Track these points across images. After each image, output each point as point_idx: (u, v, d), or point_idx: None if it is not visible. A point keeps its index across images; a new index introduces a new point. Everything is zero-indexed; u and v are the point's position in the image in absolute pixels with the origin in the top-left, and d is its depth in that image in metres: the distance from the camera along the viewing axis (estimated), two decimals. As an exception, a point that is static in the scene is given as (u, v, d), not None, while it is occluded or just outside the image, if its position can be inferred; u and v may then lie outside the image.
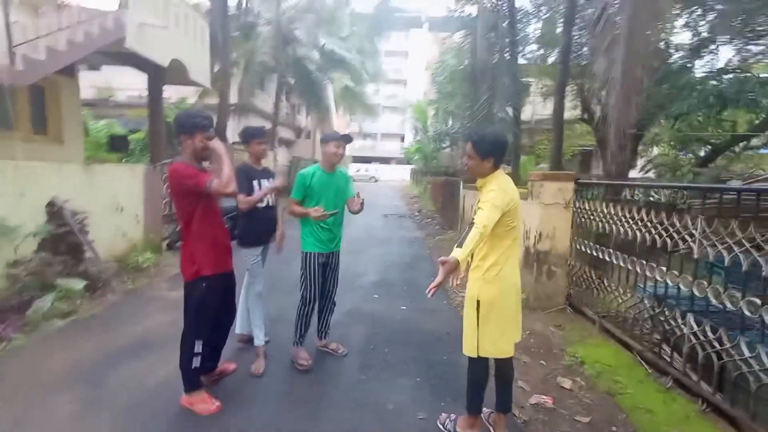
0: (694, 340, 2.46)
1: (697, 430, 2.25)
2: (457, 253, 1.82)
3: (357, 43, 18.65)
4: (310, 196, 2.81)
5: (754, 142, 8.77)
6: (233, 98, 12.88)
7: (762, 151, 9.18)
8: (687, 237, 2.62)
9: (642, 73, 3.90)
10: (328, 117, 18.06)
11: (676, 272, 2.72)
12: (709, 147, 9.04)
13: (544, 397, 2.59)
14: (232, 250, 2.46)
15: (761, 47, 7.24)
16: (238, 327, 3.14)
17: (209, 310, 2.30)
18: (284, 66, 15.18)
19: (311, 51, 16.14)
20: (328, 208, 2.80)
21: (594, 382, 2.76)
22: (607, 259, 3.57)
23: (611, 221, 3.51)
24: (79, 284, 3.96)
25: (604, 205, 3.66)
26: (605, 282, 3.61)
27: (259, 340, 2.94)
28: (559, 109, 7.36)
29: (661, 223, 2.89)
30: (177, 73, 7.24)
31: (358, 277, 5.37)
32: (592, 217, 3.79)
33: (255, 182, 2.88)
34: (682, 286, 2.79)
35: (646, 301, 2.99)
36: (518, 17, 10.24)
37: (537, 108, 17.34)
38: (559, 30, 11.54)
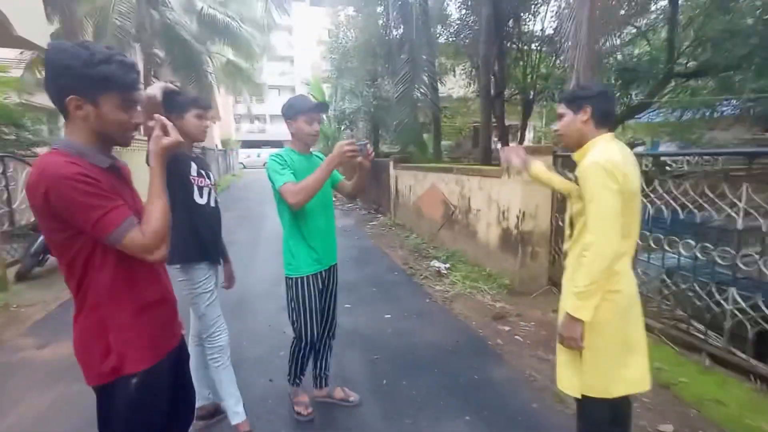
0: (740, 316, 2.36)
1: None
2: (573, 307, 1.37)
3: (239, 9, 16.37)
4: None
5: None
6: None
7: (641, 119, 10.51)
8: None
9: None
10: (210, 97, 15.57)
11: (692, 242, 2.62)
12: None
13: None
14: (176, 302, 1.25)
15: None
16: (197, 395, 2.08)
17: (149, 421, 1.12)
18: (150, 33, 12.41)
19: (186, 16, 13.55)
20: (318, 205, 1.97)
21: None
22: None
23: None
24: None
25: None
26: None
27: (238, 414, 1.97)
28: (486, 86, 7.29)
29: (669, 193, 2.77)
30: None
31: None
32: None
33: (193, 176, 1.85)
34: (685, 255, 2.75)
35: (665, 277, 2.88)
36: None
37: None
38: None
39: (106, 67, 0.95)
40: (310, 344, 2.08)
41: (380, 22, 13.72)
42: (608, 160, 1.31)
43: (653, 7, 7.89)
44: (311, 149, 2.08)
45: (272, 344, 2.93)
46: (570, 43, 3.86)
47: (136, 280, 1.06)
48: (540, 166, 1.84)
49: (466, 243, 4.97)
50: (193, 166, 1.83)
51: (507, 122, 13.31)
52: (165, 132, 1.07)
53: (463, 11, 12.68)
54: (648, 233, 2.93)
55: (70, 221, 0.93)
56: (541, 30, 11.76)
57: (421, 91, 8.46)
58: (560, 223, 3.83)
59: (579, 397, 1.47)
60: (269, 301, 3.78)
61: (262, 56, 20.58)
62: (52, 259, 4.77)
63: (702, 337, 2.61)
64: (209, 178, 1.94)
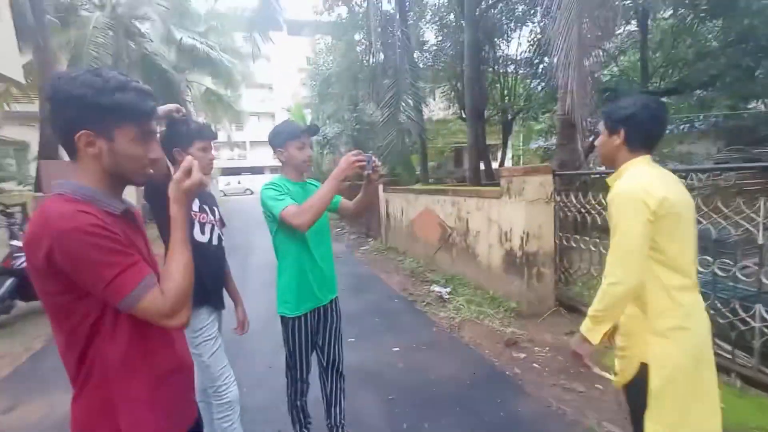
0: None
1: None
2: (585, 328, 1.33)
3: (218, 40, 16.42)
4: (282, 224, 1.74)
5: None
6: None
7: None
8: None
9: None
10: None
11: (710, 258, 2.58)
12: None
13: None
14: (193, 366, 1.06)
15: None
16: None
17: None
18: (128, 63, 12.21)
19: (164, 46, 13.45)
20: (318, 232, 1.86)
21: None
22: (605, 251, 3.41)
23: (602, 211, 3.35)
24: None
25: (591, 196, 3.49)
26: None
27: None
28: (473, 107, 7.39)
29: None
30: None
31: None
32: (581, 210, 3.56)
33: (194, 211, 1.69)
34: (702, 271, 2.71)
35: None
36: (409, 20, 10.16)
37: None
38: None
39: (122, 96, 0.82)
40: (303, 382, 1.93)
41: (359, 48, 14.03)
42: (637, 187, 1.24)
43: (624, 30, 8.30)
44: (305, 176, 1.97)
45: (275, 388, 2.68)
46: (562, 65, 3.92)
47: (152, 348, 0.88)
48: (594, 335, 1.36)
49: (465, 265, 4.86)
50: (194, 202, 1.66)
51: (487, 142, 13.61)
52: (187, 174, 0.91)
53: (440, 38, 13.14)
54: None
55: (77, 282, 0.77)
56: (519, 54, 12.24)
57: (407, 114, 8.53)
58: (564, 243, 3.78)
59: None
60: (265, 339, 3.52)
61: (241, 84, 20.58)
62: (21, 305, 4.38)
63: (729, 357, 2.53)
64: (213, 213, 1.77)
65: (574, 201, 3.61)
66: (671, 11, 6.64)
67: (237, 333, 2.02)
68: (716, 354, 2.61)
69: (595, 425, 2.22)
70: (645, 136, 1.33)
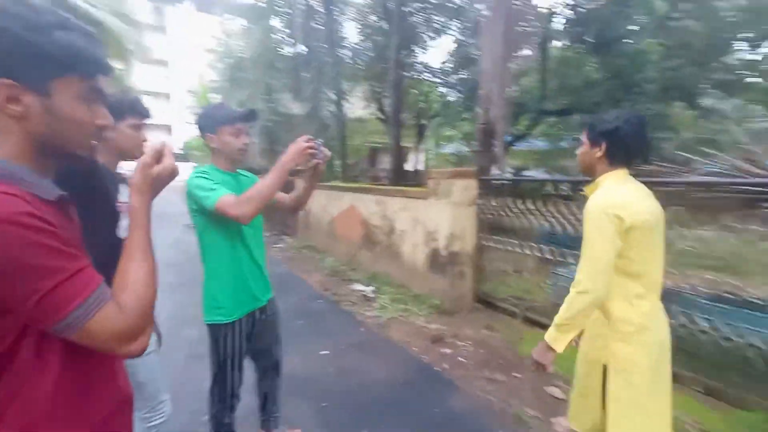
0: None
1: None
2: (550, 337, 1.36)
3: (108, 1, 14.08)
4: (215, 217, 1.54)
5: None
6: None
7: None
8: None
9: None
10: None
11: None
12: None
13: (564, 419, 2.33)
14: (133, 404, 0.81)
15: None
16: None
17: None
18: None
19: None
20: (252, 230, 1.71)
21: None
22: (520, 251, 3.76)
23: (518, 214, 3.68)
24: None
25: (510, 199, 3.79)
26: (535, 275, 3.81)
27: None
28: (396, 110, 7.54)
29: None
30: None
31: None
32: (501, 213, 3.85)
33: (123, 202, 1.39)
34: None
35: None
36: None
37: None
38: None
39: (65, 36, 0.61)
40: (236, 397, 1.75)
41: (276, 36, 13.35)
42: (611, 202, 1.30)
43: (526, 53, 9.32)
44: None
45: (193, 408, 2.34)
46: (486, 79, 4.20)
47: (90, 384, 0.66)
48: (559, 344, 1.39)
49: (389, 264, 4.91)
50: (123, 190, 1.35)
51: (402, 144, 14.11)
52: (157, 157, 0.76)
53: (362, 37, 13.18)
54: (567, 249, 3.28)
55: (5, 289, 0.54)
56: (433, 63, 12.87)
57: (329, 109, 8.36)
58: (483, 243, 4.05)
59: None
60: (175, 349, 3.09)
61: (133, 57, 17.96)
62: None
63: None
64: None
65: (492, 204, 3.91)
66: (566, 43, 7.65)
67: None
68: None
69: (520, 412, 2.39)
70: (626, 151, 1.37)
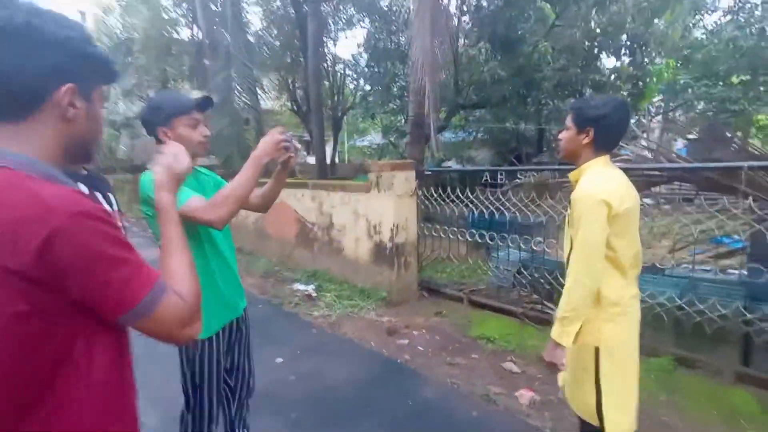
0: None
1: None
2: (556, 333, 1.38)
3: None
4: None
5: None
6: None
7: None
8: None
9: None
10: None
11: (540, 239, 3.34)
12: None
13: (526, 390, 2.51)
14: None
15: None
16: None
17: None
18: None
19: None
20: (221, 234, 1.52)
21: (532, 357, 2.94)
22: (458, 238, 3.96)
23: (452, 202, 3.88)
24: None
25: (453, 190, 3.95)
26: (471, 260, 4.03)
27: None
28: (318, 101, 7.26)
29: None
30: None
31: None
32: (438, 203, 3.99)
33: None
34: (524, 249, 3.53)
35: (523, 269, 3.50)
36: None
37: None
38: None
39: (100, 48, 0.72)
40: (215, 422, 1.56)
41: (168, 16, 11.95)
42: (600, 189, 1.33)
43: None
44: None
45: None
46: (418, 71, 4.27)
47: (129, 382, 0.72)
48: (566, 338, 1.40)
49: (330, 261, 4.77)
50: (82, 189, 1.05)
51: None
52: (176, 158, 0.88)
53: (265, 23, 12.43)
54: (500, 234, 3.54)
55: (71, 289, 0.57)
56: (344, 54, 12.75)
57: (243, 99, 7.72)
58: (425, 232, 4.17)
59: (597, 425, 1.43)
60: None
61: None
62: None
63: (552, 312, 3.31)
64: (110, 203, 1.17)
65: (429, 194, 4.05)
66: (473, 42, 8.20)
67: None
68: (545, 312, 3.36)
69: (486, 391, 2.52)
70: (612, 138, 1.40)
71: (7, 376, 0.55)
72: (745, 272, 2.73)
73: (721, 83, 11.54)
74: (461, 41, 9.06)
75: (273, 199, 1.74)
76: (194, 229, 1.41)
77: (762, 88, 11.42)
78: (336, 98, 14.16)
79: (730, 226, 2.71)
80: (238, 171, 1.36)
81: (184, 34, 13.14)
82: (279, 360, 2.97)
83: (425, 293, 4.23)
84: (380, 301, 4.02)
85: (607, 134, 1.40)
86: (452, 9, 8.43)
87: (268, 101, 16.91)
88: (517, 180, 3.85)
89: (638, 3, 8.66)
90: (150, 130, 1.43)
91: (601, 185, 1.35)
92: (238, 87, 7.57)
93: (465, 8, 8.94)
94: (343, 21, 12.64)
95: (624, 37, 9.03)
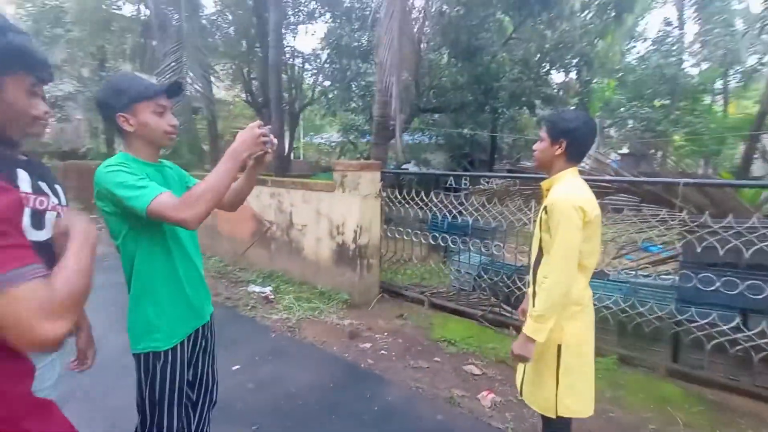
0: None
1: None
2: (532, 330, 1.45)
3: None
4: (145, 221, 1.20)
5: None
6: None
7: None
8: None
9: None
10: None
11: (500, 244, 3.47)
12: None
13: (488, 392, 2.59)
14: None
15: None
16: None
17: None
18: None
19: None
20: (188, 233, 1.42)
21: (492, 359, 3.03)
22: (422, 240, 4.00)
23: (415, 205, 3.93)
24: None
25: (414, 192, 3.98)
26: (431, 263, 4.07)
27: None
28: (278, 94, 6.98)
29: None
30: None
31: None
32: (399, 205, 4.01)
33: (30, 195, 0.95)
34: (485, 253, 3.66)
35: (483, 273, 3.60)
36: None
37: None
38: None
39: (16, 37, 0.77)
40: None
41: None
42: (575, 196, 1.44)
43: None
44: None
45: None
46: (386, 73, 4.25)
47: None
48: (540, 334, 1.46)
49: (288, 261, 4.61)
50: (23, 177, 0.90)
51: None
52: None
53: (219, 6, 11.79)
54: (465, 237, 3.63)
55: None
56: (304, 48, 12.44)
57: (195, 86, 7.25)
58: (388, 234, 4.17)
59: (554, 417, 1.53)
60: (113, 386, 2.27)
61: None
62: None
63: (510, 315, 3.45)
64: (57, 195, 1.02)
65: (392, 196, 4.06)
66: (434, 47, 8.35)
67: (72, 368, 1.32)
68: (502, 315, 3.49)
69: (449, 394, 2.56)
70: (582, 149, 1.52)
71: None
72: (677, 278, 3.03)
73: (647, 106, 12.79)
74: (423, 45, 9.20)
75: (244, 197, 1.63)
76: (160, 228, 1.29)
77: (677, 112, 12.85)
78: (294, 92, 13.76)
79: (667, 235, 2.98)
80: (185, 164, 1.25)
81: (127, 9, 12.14)
82: (236, 367, 2.81)
83: (386, 296, 4.22)
84: (341, 303, 3.95)
85: (578, 146, 1.51)
86: (414, 13, 8.54)
87: (220, 91, 16.10)
88: (481, 186, 3.97)
89: (585, 25, 9.33)
90: (107, 115, 1.28)
91: (576, 193, 1.46)
92: (191, 73, 7.08)
93: (427, 13, 9.09)
94: (304, 14, 12.31)
95: (571, 55, 9.69)
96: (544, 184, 1.61)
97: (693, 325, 2.70)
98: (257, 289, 4.32)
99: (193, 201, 1.15)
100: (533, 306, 1.49)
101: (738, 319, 2.66)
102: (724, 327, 2.60)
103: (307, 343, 3.25)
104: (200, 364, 1.52)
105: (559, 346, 1.51)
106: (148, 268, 1.28)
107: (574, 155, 1.52)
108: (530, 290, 1.64)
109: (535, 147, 1.61)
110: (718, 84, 15.25)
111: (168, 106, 1.33)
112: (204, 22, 11.70)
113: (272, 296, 4.14)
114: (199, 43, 7.29)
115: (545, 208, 1.50)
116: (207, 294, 1.52)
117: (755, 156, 11.18)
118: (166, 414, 1.35)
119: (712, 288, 2.61)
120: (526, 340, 1.46)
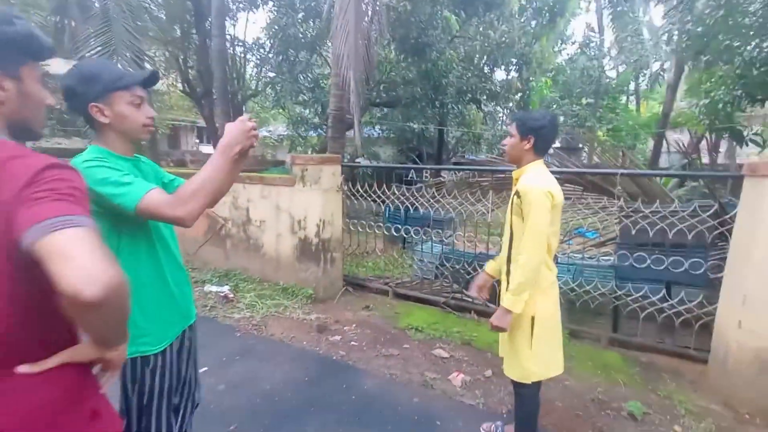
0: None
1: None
2: (509, 302, 1.64)
3: None
4: (129, 219, 1.16)
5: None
6: None
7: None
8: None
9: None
10: None
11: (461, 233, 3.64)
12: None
13: (457, 373, 2.73)
14: None
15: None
16: None
17: None
18: None
19: None
20: (169, 229, 1.37)
21: (457, 342, 3.18)
22: (379, 232, 4.08)
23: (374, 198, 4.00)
24: None
25: (368, 186, 4.04)
26: (393, 254, 4.14)
27: None
28: (223, 84, 6.60)
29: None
30: None
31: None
32: (356, 198, 4.05)
33: None
34: (445, 243, 3.83)
35: (445, 262, 3.75)
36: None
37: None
38: None
39: (25, 25, 0.76)
40: None
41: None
42: (544, 183, 1.63)
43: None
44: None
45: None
46: (343, 65, 4.23)
47: None
48: (518, 305, 1.65)
49: (246, 259, 4.45)
50: None
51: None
52: None
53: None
54: (426, 228, 3.76)
55: None
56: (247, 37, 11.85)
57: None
58: (351, 228, 4.19)
59: (528, 382, 1.74)
60: None
61: None
62: None
63: (471, 300, 3.64)
64: None
65: (352, 189, 4.10)
66: (388, 42, 8.42)
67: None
68: (464, 301, 3.68)
69: (422, 378, 2.67)
70: (547, 144, 1.72)
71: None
72: (616, 258, 3.40)
73: (576, 103, 13.98)
74: (373, 40, 9.22)
75: (225, 191, 1.57)
76: (143, 226, 1.22)
77: (601, 110, 14.24)
78: (237, 83, 13.08)
79: (608, 220, 3.33)
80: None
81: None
82: (203, 369, 2.66)
83: (350, 288, 4.24)
84: (306, 298, 3.91)
85: (544, 141, 1.71)
86: (363, 6, 8.52)
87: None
88: (441, 178, 4.12)
89: (523, 26, 9.93)
90: (77, 105, 1.18)
91: (545, 181, 1.64)
92: (121, 57, 6.46)
93: (375, 8, 9.11)
94: (245, 1, 11.72)
95: (511, 55, 10.28)
96: (514, 174, 1.79)
97: (629, 298, 3.06)
98: (214, 288, 4.12)
99: (187, 197, 1.10)
100: (508, 282, 1.65)
101: (663, 291, 3.07)
102: (654, 298, 2.98)
103: (276, 339, 3.19)
104: (184, 365, 1.46)
105: (533, 318, 1.70)
106: (132, 268, 1.20)
107: (541, 149, 1.72)
108: (504, 269, 1.78)
109: (504, 142, 1.79)
110: (632, 86, 17.10)
111: (144, 97, 1.26)
112: (132, 2, 10.72)
113: (232, 295, 3.98)
114: (131, 26, 6.67)
115: (517, 193, 1.66)
116: (191, 294, 1.46)
117: (662, 150, 12.74)
118: (154, 419, 1.29)
119: (644, 265, 2.97)
120: (504, 312, 1.63)
